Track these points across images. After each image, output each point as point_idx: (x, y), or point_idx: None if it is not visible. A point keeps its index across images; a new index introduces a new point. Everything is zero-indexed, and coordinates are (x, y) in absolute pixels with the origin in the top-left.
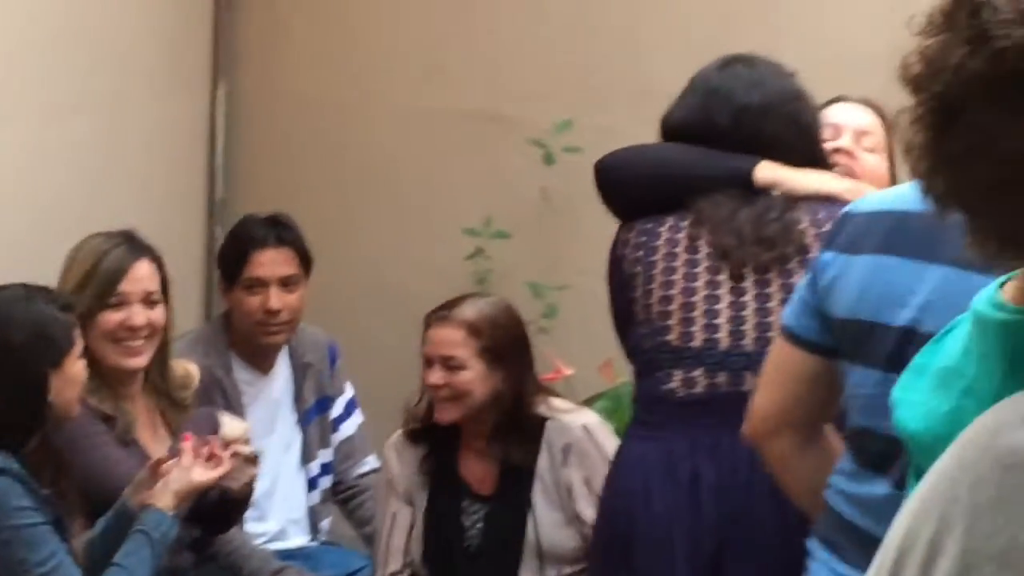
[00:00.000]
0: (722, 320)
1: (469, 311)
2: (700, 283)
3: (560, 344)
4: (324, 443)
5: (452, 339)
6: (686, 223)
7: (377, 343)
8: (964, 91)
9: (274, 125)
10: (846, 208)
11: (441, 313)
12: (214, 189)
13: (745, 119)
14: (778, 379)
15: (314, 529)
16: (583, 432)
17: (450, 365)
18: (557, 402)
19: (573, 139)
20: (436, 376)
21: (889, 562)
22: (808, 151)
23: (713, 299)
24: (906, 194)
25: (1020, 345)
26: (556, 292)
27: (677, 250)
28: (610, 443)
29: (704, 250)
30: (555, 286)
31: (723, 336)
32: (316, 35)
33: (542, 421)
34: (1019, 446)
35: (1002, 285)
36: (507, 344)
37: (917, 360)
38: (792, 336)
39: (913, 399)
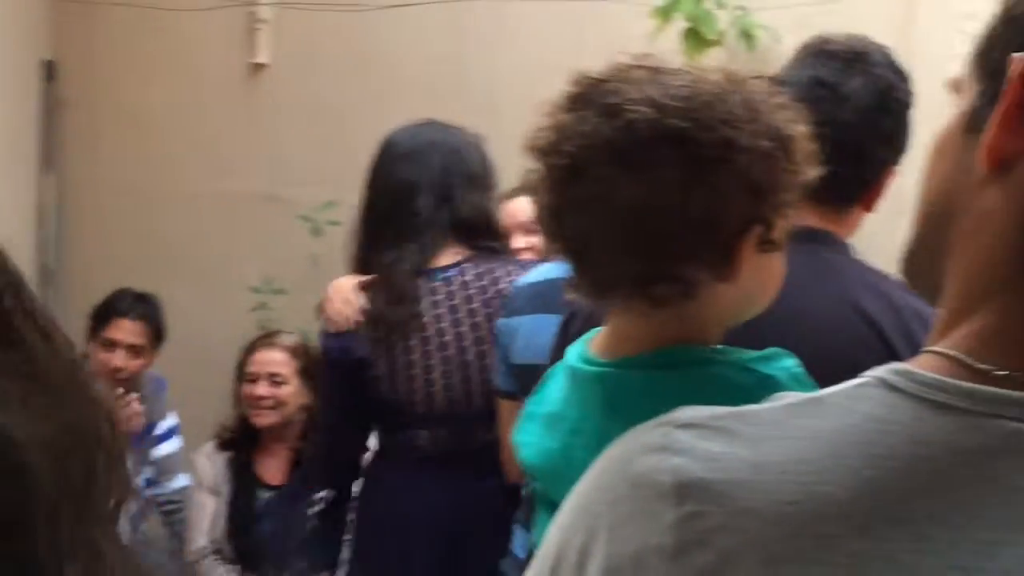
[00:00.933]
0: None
1: (288, 339)
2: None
3: None
4: (145, 462)
5: (277, 359)
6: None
7: (187, 379)
8: (592, 152)
9: (96, 207)
10: (515, 283)
11: (266, 340)
12: (47, 260)
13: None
14: (504, 430)
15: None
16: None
17: (275, 380)
18: None
19: (336, 215)
20: (262, 389)
21: (547, 569)
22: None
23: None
24: (554, 267)
25: (611, 390)
26: None
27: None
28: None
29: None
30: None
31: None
32: (126, 133)
33: None
34: (644, 471)
35: (590, 340)
36: (314, 367)
37: (528, 408)
38: (499, 392)
39: (529, 440)
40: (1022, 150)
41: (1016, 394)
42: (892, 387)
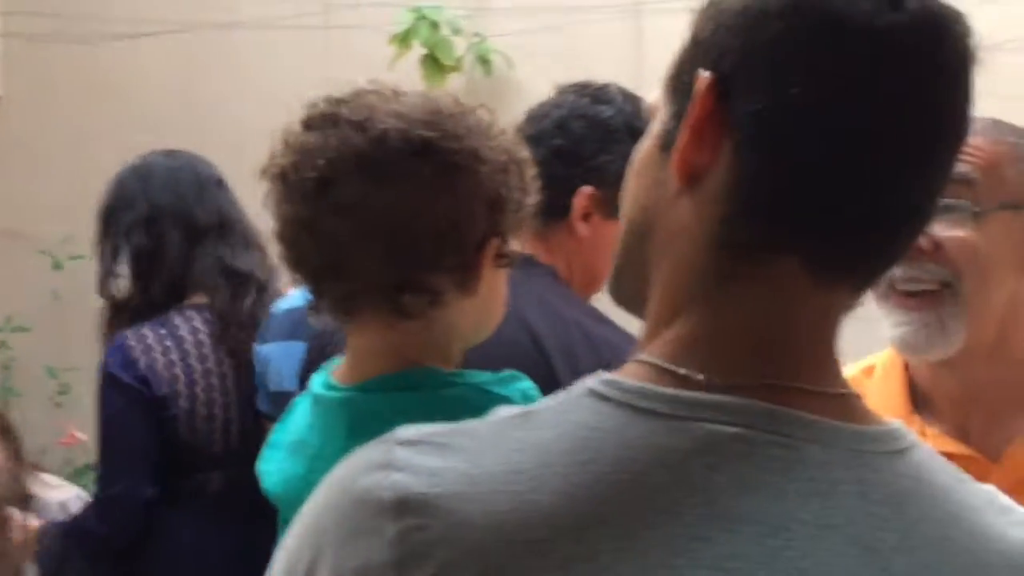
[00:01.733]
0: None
1: None
2: None
3: (74, 415)
4: None
5: None
6: None
7: None
8: (343, 164)
9: None
10: (272, 309)
11: None
12: None
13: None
14: None
15: None
16: (59, 508)
17: None
18: (47, 478)
19: (76, 249)
20: None
21: None
22: None
23: None
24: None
25: (354, 413)
26: (69, 372)
27: None
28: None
29: None
30: (67, 368)
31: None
32: None
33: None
34: (366, 487)
35: (333, 368)
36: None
37: (272, 438)
38: (265, 416)
39: (272, 468)
40: (709, 163)
41: (713, 397)
42: (600, 396)
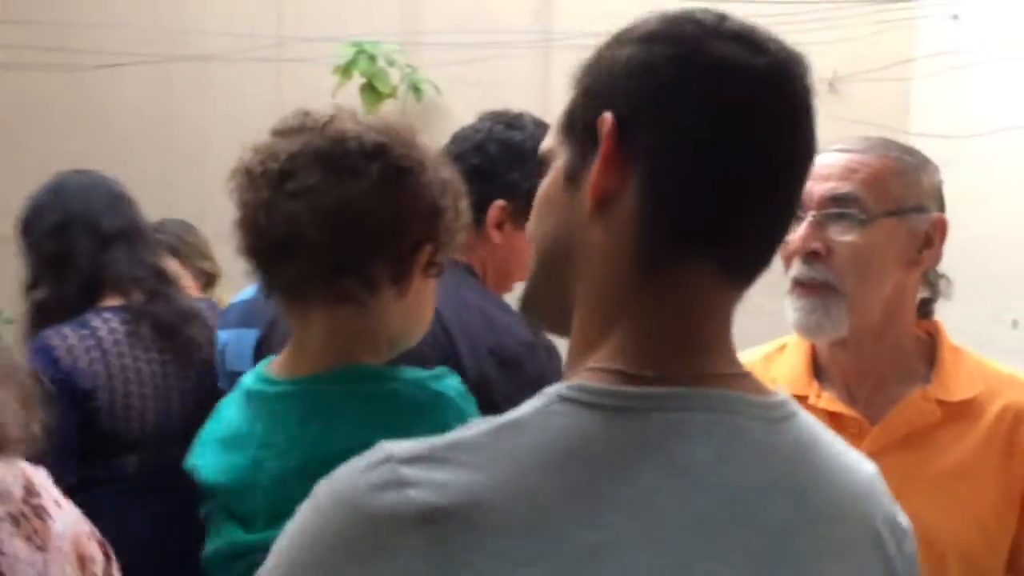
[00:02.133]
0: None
1: None
2: None
3: None
4: None
5: None
6: None
7: None
8: (304, 159)
9: None
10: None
11: None
12: None
13: None
14: None
15: None
16: None
17: None
18: None
19: None
20: None
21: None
22: None
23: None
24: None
25: (304, 404)
26: None
27: None
28: None
29: None
30: None
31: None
32: None
33: None
34: (382, 507)
35: (267, 365)
36: None
37: (203, 436)
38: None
39: (207, 462)
40: (618, 190)
41: (667, 389)
42: (573, 400)
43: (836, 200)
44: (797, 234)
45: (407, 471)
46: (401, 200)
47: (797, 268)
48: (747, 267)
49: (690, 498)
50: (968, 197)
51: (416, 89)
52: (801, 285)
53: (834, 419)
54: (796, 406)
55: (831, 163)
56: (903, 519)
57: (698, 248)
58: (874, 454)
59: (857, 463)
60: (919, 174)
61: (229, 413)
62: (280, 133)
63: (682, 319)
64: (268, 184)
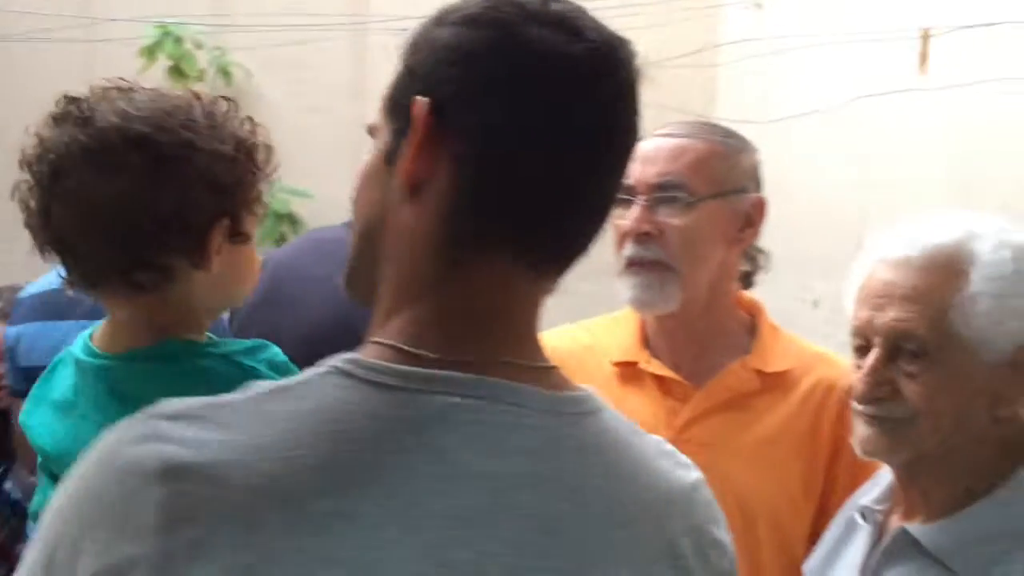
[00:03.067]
0: None
1: None
2: None
3: None
4: None
5: None
6: None
7: None
8: (70, 158)
9: None
10: (20, 293)
11: None
12: None
13: None
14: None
15: None
16: None
17: None
18: None
19: None
20: None
21: (44, 558)
22: None
23: None
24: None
25: (114, 380)
26: None
27: None
28: None
29: None
30: None
31: None
32: None
33: None
34: (131, 459)
35: (92, 333)
36: None
37: (36, 393)
38: (13, 392)
39: (38, 423)
40: (430, 174)
41: (444, 373)
42: (345, 373)
43: (664, 186)
44: (629, 217)
45: (166, 426)
46: (175, 188)
47: (631, 248)
48: (556, 258)
49: (450, 484)
50: (771, 180)
51: (225, 73)
52: (635, 263)
53: (662, 383)
54: (601, 404)
55: (657, 148)
56: (721, 535)
57: (503, 238)
58: (696, 418)
59: (669, 471)
60: (740, 156)
61: (63, 374)
62: (54, 121)
63: (477, 306)
64: (40, 184)
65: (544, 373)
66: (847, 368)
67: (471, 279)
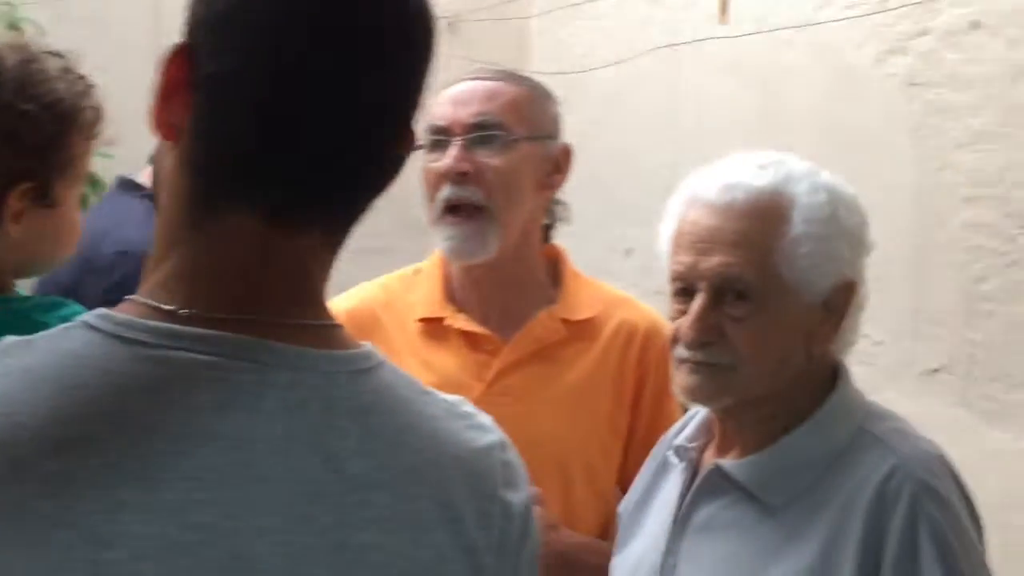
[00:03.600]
0: None
1: None
2: None
3: None
4: None
5: None
6: None
7: None
8: None
9: None
10: None
11: None
12: None
13: None
14: None
15: None
16: None
17: None
18: None
19: None
20: None
21: None
22: None
23: None
24: None
25: None
26: None
27: None
28: None
29: None
30: None
31: None
32: None
33: None
34: None
35: None
36: None
37: None
38: None
39: None
40: (179, 122)
41: (192, 329)
42: (92, 327)
43: (481, 125)
44: (445, 158)
45: None
46: None
47: (448, 190)
48: (320, 214)
49: (192, 444)
50: (587, 131)
51: (15, 28)
52: (453, 211)
53: (469, 338)
54: (380, 361)
55: (472, 89)
56: (514, 497)
57: (234, 192)
58: (506, 370)
59: (458, 432)
60: (547, 103)
61: None
62: None
63: (223, 263)
64: None
65: (318, 331)
66: (648, 311)
67: (212, 235)
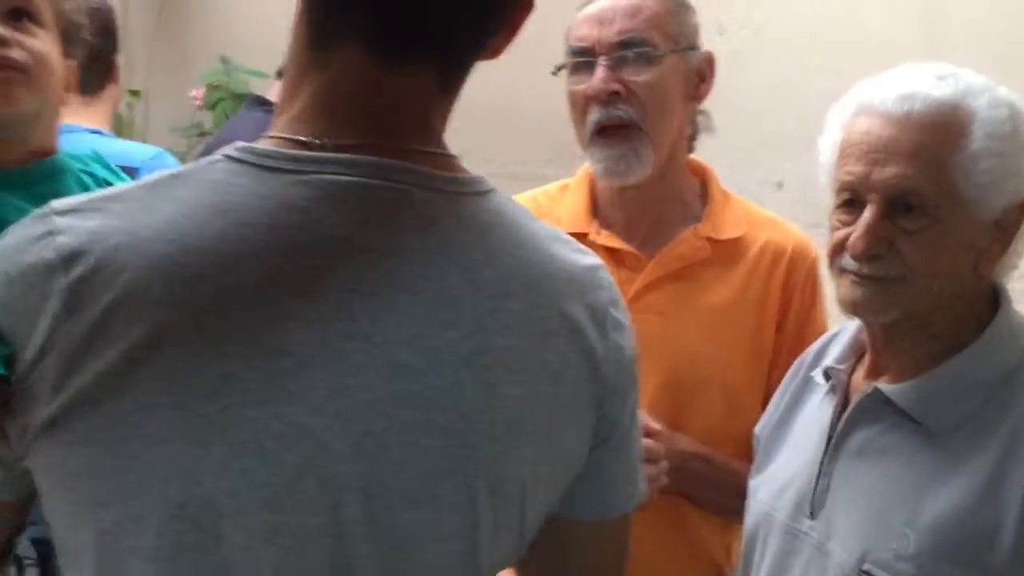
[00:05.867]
0: None
1: None
2: None
3: None
4: None
5: None
6: None
7: None
8: None
9: None
10: None
11: None
12: None
13: None
14: None
15: None
16: None
17: None
18: None
19: None
20: None
21: None
22: None
23: None
24: None
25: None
26: None
27: None
28: None
29: None
30: None
31: None
32: None
33: None
34: (32, 256)
35: None
36: None
37: None
38: None
39: None
40: None
41: (330, 155)
42: (236, 160)
43: (626, 43)
44: (592, 80)
45: (61, 221)
46: None
47: (598, 112)
48: (428, 45)
49: (343, 259)
50: (737, 60)
51: None
52: (604, 132)
53: (612, 254)
54: (492, 186)
55: (611, 6)
56: (620, 316)
57: (346, 26)
58: (649, 287)
59: (565, 254)
60: (687, 14)
61: None
62: None
63: (347, 96)
64: None
65: (438, 158)
66: (795, 231)
67: (329, 70)
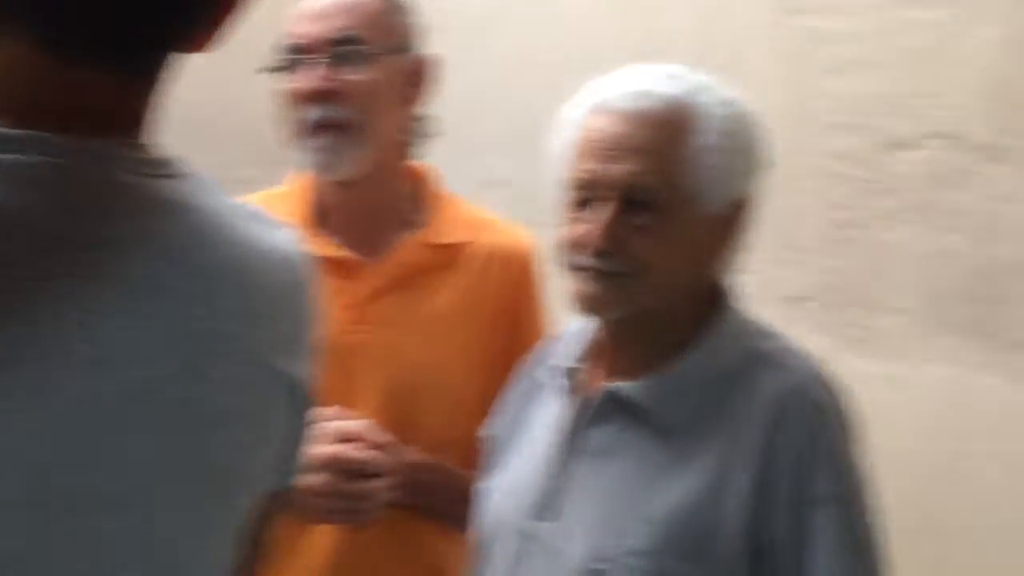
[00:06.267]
0: None
1: None
2: None
3: None
4: None
5: None
6: None
7: None
8: None
9: None
10: None
11: None
12: None
13: None
14: None
15: None
16: None
17: None
18: None
19: None
20: None
21: None
22: None
23: None
24: None
25: None
26: None
27: None
28: None
29: None
30: None
31: None
32: None
33: None
34: None
35: None
36: None
37: None
38: None
39: None
40: None
41: (17, 132)
42: None
43: (343, 40)
44: (307, 78)
45: None
46: None
47: (314, 112)
48: (94, 42)
49: (35, 249)
50: (457, 59)
51: None
52: (318, 131)
53: (331, 263)
54: (188, 169)
55: (328, 4)
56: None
57: (20, 20)
58: (371, 296)
59: (267, 232)
60: (405, 15)
61: None
62: None
63: (14, 88)
64: None
65: (127, 146)
66: (516, 231)
67: (6, 60)
